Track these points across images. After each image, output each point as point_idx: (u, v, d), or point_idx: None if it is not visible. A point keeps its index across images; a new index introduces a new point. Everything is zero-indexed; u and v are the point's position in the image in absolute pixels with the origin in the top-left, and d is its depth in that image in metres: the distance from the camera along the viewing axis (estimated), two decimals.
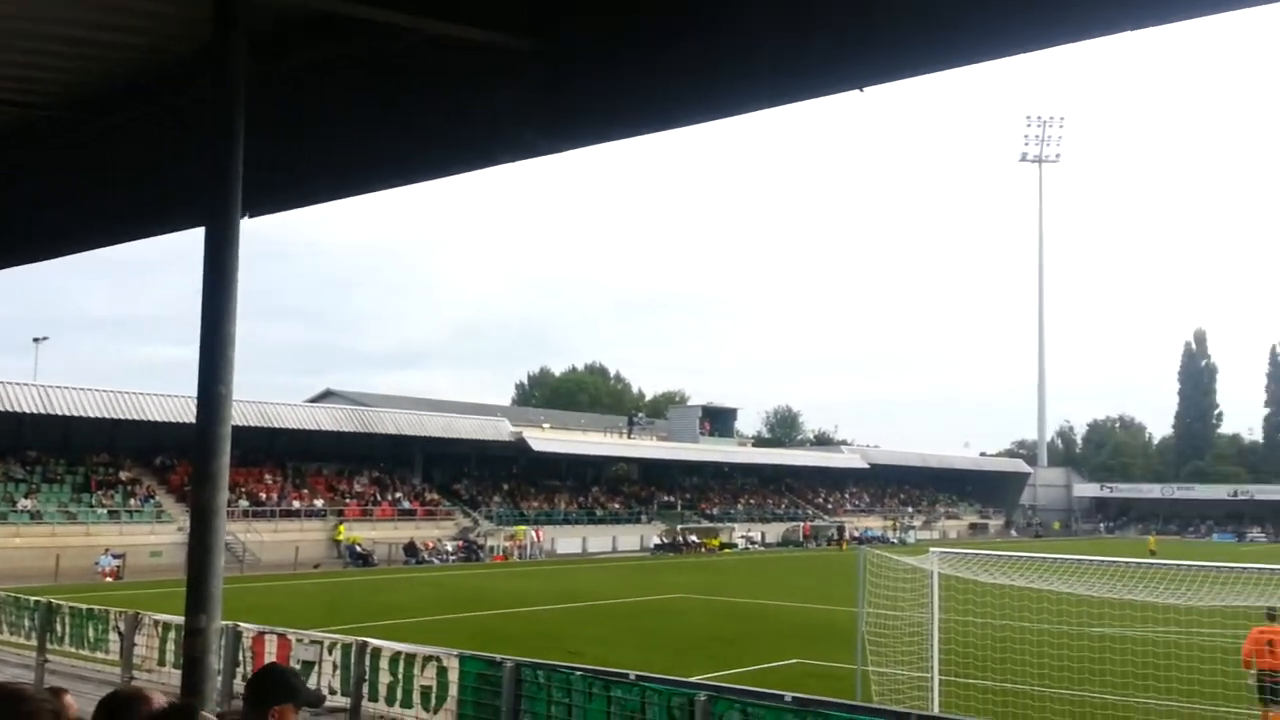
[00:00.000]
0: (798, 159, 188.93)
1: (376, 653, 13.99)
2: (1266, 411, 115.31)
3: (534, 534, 57.88)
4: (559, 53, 4.26)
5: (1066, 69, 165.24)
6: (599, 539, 63.36)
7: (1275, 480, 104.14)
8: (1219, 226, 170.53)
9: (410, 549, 51.75)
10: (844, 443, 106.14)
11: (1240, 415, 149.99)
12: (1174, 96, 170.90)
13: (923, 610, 17.02)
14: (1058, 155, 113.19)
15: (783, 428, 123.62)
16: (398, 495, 59.14)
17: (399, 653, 13.80)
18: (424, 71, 4.90)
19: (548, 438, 68.45)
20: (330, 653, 14.50)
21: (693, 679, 14.28)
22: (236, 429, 5.34)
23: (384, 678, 13.75)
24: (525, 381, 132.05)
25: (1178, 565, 18.30)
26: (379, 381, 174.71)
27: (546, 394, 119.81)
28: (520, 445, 63.99)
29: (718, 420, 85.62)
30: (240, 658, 14.80)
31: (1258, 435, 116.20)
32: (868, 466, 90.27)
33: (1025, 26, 3.55)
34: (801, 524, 77.49)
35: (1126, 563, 19.57)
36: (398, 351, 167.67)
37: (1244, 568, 17.70)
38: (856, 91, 3.96)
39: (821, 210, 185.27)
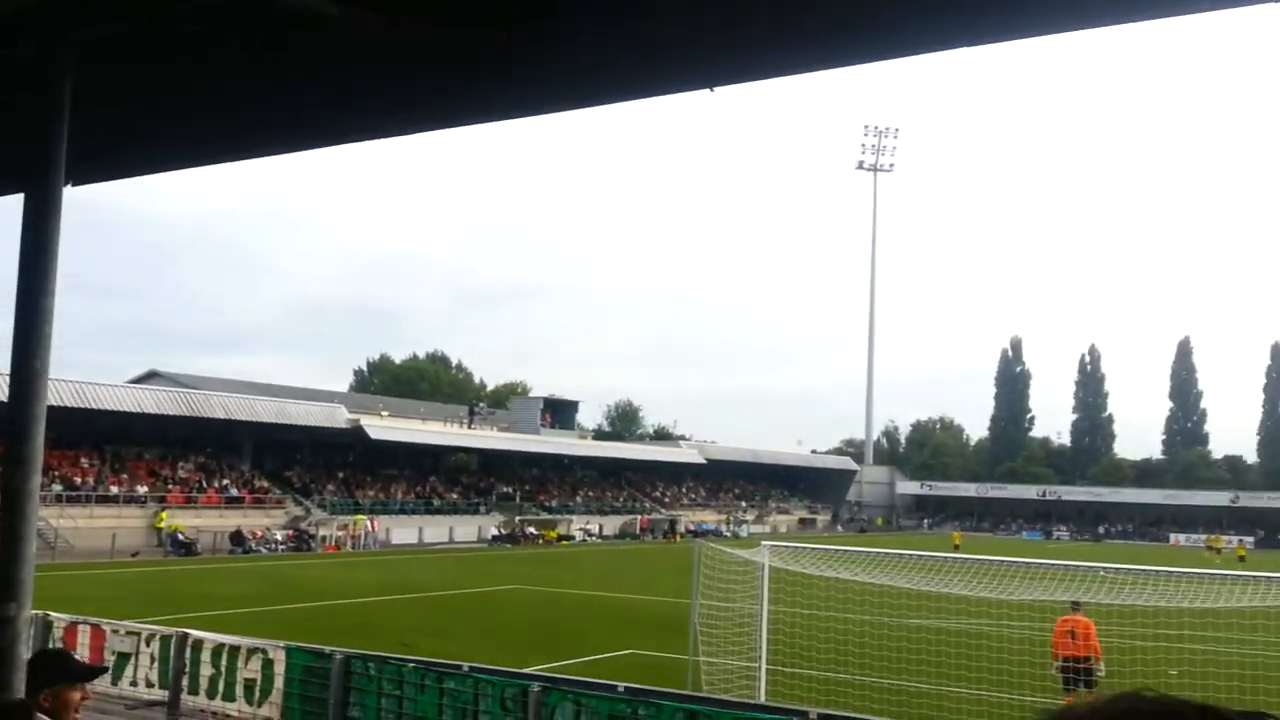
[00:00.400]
0: (644, 152, 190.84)
1: (198, 644, 13.53)
2: (1074, 417, 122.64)
3: (369, 524, 56.75)
4: (412, 32, 4.19)
5: (903, 82, 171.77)
6: (436, 529, 62.54)
7: (1080, 482, 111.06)
8: (1035, 238, 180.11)
9: (236, 538, 49.97)
10: (683, 438, 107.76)
11: (1050, 420, 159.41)
12: (999, 112, 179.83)
13: (753, 602, 17.47)
14: (892, 165, 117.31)
15: (623, 421, 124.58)
16: (225, 482, 57.03)
17: (222, 644, 13.38)
18: (270, 41, 4.75)
19: (386, 426, 67.15)
20: (148, 644, 13.93)
21: (527, 670, 14.28)
22: (52, 409, 5.07)
23: (205, 670, 13.31)
24: (364, 368, 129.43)
25: (988, 560, 19.32)
26: (208, 364, 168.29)
27: (386, 381, 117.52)
28: (357, 433, 62.60)
29: (559, 412, 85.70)
30: (51, 648, 14.05)
31: (1066, 439, 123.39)
32: (705, 462, 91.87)
33: (867, 39, 3.69)
34: (639, 517, 78.36)
35: (943, 558, 20.57)
36: (229, 333, 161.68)
37: (1041, 563, 18.84)
38: (707, 91, 4.05)
39: (666, 204, 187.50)
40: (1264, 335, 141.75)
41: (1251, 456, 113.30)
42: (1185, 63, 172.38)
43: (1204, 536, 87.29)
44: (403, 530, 60.12)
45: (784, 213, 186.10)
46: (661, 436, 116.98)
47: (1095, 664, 16.87)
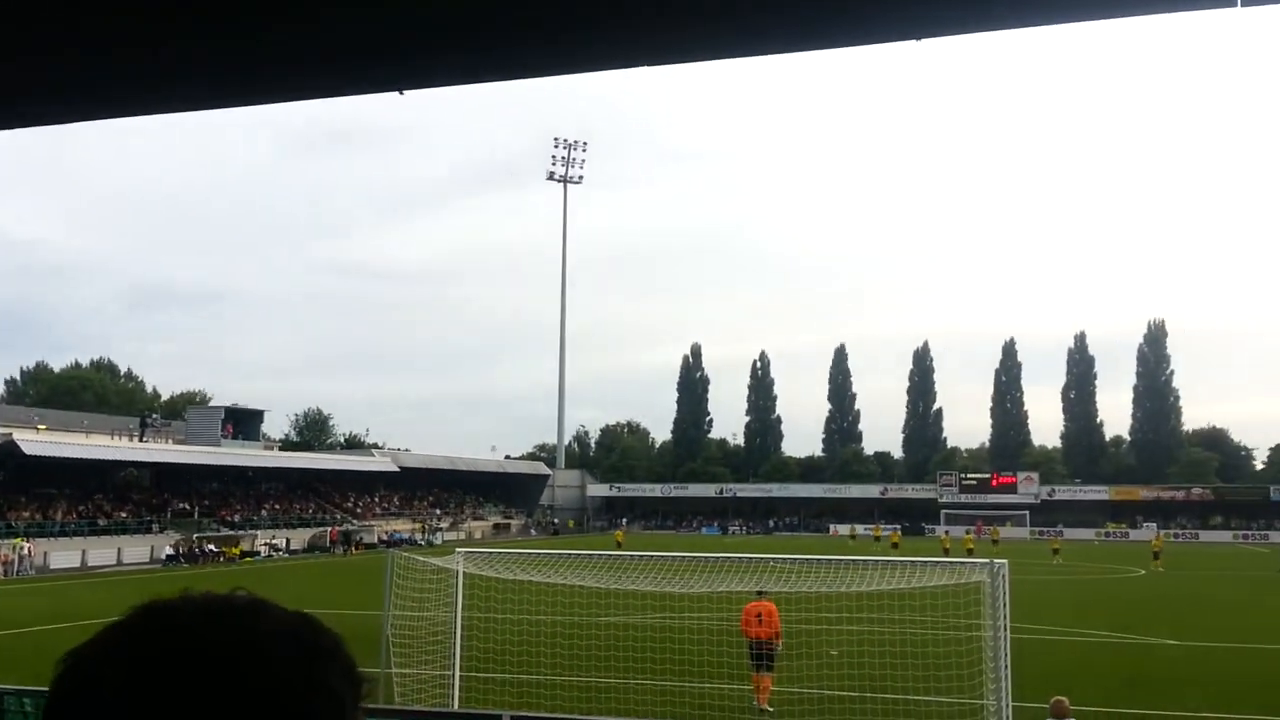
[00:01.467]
0: (331, 152, 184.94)
1: None
2: (748, 419, 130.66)
3: (26, 548, 51.83)
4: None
5: (592, 96, 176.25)
6: (102, 551, 57.90)
7: (753, 480, 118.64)
8: (708, 249, 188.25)
9: None
10: (375, 446, 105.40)
11: (727, 422, 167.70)
12: (677, 125, 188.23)
13: (448, 609, 17.62)
14: (581, 176, 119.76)
15: (312, 431, 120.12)
16: None
17: None
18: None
19: (43, 440, 61.49)
20: None
21: None
22: None
23: None
24: (17, 377, 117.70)
25: (662, 556, 20.53)
26: None
27: (44, 392, 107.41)
28: (9, 448, 56.92)
29: (242, 422, 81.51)
30: None
31: (741, 440, 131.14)
32: (398, 470, 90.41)
33: (562, 51, 3.97)
34: (329, 529, 75.99)
35: (627, 557, 21.59)
36: None
37: (716, 557, 20.21)
38: (396, 93, 4.21)
39: (356, 205, 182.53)
40: (908, 342, 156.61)
41: (898, 452, 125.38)
42: (834, 69, 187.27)
43: (848, 526, 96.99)
44: (64, 553, 55.27)
45: (476, 218, 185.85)
46: (353, 445, 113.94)
47: (776, 644, 18.38)
